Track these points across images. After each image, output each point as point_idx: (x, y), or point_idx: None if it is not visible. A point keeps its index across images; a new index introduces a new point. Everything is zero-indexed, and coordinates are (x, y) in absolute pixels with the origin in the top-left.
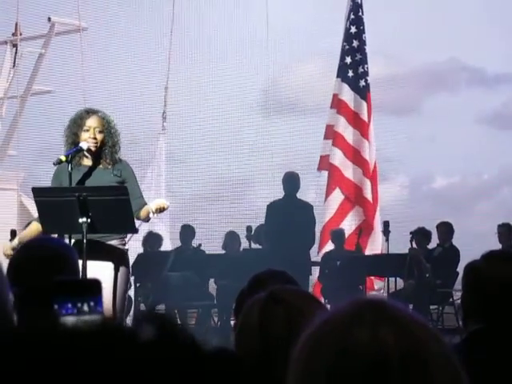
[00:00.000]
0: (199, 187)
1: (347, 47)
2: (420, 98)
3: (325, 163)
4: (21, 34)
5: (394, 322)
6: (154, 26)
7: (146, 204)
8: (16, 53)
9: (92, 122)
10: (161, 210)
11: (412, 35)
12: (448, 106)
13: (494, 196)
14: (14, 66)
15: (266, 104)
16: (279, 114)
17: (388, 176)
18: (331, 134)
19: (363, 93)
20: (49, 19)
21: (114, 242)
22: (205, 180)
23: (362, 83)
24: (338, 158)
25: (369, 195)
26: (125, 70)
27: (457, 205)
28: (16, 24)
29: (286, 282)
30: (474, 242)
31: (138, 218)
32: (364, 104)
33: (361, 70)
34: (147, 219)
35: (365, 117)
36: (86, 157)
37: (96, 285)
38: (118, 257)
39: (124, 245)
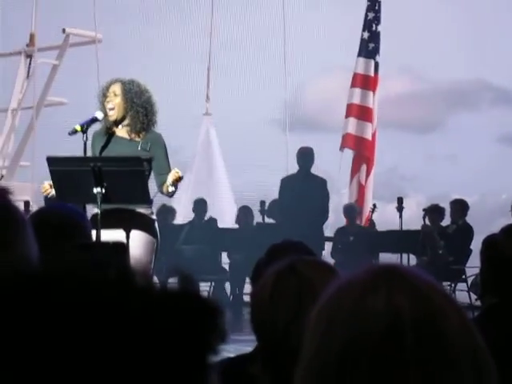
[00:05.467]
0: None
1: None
2: (443, 116)
3: (348, 141)
4: (35, 45)
5: (409, 289)
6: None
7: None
8: (30, 64)
9: (111, 89)
10: (177, 181)
11: (438, 53)
12: (471, 124)
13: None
14: (27, 76)
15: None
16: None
17: (406, 194)
18: (352, 110)
19: (373, 55)
20: (63, 30)
21: (141, 211)
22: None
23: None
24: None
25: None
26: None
27: (473, 224)
28: (31, 35)
29: (303, 253)
30: None
31: (164, 194)
32: (371, 62)
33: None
34: (171, 194)
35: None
36: (116, 127)
37: (121, 248)
38: (146, 224)
39: (151, 214)
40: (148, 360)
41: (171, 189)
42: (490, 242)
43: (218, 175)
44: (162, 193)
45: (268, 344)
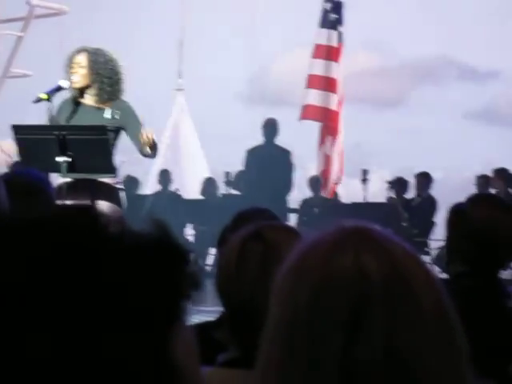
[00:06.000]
0: None
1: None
2: (408, 91)
3: (311, 112)
4: None
5: (378, 249)
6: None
7: None
8: None
9: (76, 59)
10: (152, 141)
11: (403, 29)
12: (436, 100)
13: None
14: None
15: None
16: None
17: (371, 168)
18: (315, 81)
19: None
20: (28, 1)
21: (106, 180)
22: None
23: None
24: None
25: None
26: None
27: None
28: None
29: (269, 220)
30: None
31: (146, 156)
32: (334, 33)
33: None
34: (152, 154)
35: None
36: (82, 96)
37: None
38: (110, 193)
39: (117, 183)
40: (120, 305)
41: (147, 150)
42: (457, 210)
43: (188, 147)
44: (144, 156)
45: (235, 309)
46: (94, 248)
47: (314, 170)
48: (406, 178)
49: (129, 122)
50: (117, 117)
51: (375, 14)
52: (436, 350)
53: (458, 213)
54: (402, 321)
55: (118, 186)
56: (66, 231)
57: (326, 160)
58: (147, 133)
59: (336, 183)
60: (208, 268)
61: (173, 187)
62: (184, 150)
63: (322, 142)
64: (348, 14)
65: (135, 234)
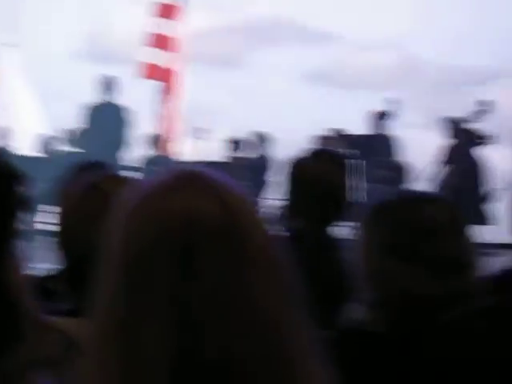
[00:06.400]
0: None
1: None
2: (244, 52)
3: (149, 71)
4: None
5: (210, 191)
6: None
7: None
8: None
9: None
10: None
11: None
12: (272, 61)
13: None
14: None
15: None
16: None
17: (209, 128)
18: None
19: None
20: None
21: None
22: None
23: None
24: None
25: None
26: None
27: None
28: None
29: (108, 172)
30: None
31: None
32: None
33: None
34: None
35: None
36: None
37: None
38: None
39: None
40: None
41: None
42: (298, 165)
43: (24, 105)
44: None
45: (74, 260)
46: None
47: (153, 128)
48: (243, 137)
49: None
50: None
51: None
52: (265, 287)
53: (298, 166)
54: (232, 258)
55: None
56: None
57: (165, 119)
58: None
59: (175, 142)
60: (48, 226)
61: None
62: (18, 107)
63: (161, 100)
64: None
65: None
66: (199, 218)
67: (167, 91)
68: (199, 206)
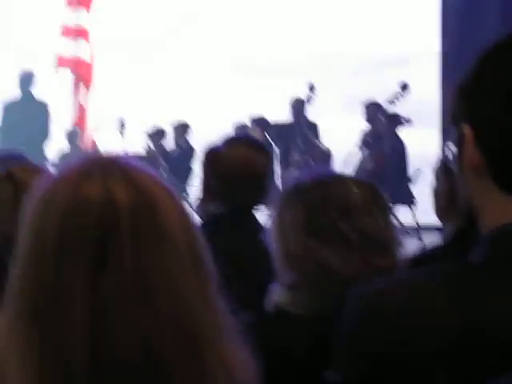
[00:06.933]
0: None
1: None
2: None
3: (63, 62)
4: None
5: (125, 178)
6: None
7: None
8: None
9: None
10: None
11: None
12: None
13: None
14: None
15: None
16: None
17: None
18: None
19: None
20: None
21: None
22: None
23: None
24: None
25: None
26: None
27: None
28: None
29: (22, 163)
30: None
31: None
32: None
33: None
34: None
35: None
36: None
37: None
38: None
39: None
40: None
41: None
42: (212, 152)
43: None
44: None
45: None
46: None
47: (70, 121)
48: (164, 128)
49: None
50: None
51: None
52: (183, 272)
53: (212, 154)
54: (148, 244)
55: None
56: None
57: (81, 111)
58: None
59: (93, 134)
60: None
61: None
62: None
63: (75, 92)
64: None
65: None
66: (112, 204)
67: (81, 82)
68: (112, 191)
